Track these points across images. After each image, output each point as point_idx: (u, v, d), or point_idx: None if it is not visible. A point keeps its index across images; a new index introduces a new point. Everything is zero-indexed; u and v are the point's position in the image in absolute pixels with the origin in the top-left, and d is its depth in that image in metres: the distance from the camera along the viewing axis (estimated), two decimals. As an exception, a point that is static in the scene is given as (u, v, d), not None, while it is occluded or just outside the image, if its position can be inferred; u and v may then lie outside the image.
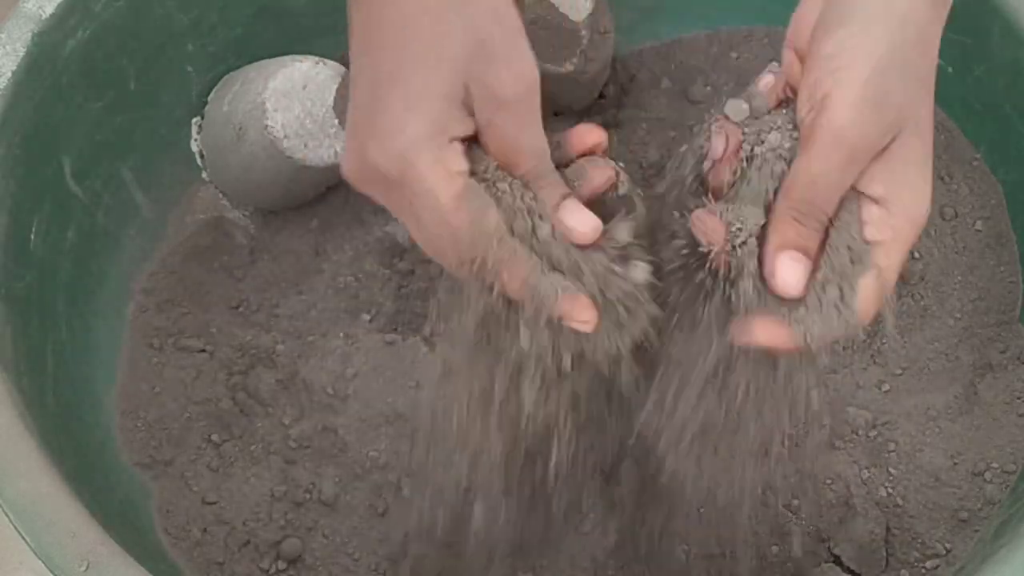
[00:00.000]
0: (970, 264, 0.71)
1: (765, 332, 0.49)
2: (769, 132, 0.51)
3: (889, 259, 0.49)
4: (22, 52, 0.65)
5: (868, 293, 0.49)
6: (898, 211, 0.49)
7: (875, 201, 0.49)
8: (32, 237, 0.65)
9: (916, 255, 0.71)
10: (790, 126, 0.50)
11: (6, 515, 0.53)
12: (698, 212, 0.50)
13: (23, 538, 0.52)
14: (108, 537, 0.53)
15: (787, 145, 0.50)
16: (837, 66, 0.48)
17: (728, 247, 0.50)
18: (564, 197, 0.50)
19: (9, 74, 0.64)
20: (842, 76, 0.48)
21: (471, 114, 0.48)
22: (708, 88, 0.82)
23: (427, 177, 0.47)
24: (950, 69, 0.74)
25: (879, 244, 0.49)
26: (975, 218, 0.72)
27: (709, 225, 0.50)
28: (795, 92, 0.51)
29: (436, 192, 0.47)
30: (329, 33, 0.79)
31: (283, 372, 0.71)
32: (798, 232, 0.49)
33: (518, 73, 0.48)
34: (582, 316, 0.49)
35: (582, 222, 0.49)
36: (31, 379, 0.62)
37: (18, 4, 0.66)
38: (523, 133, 0.49)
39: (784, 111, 0.51)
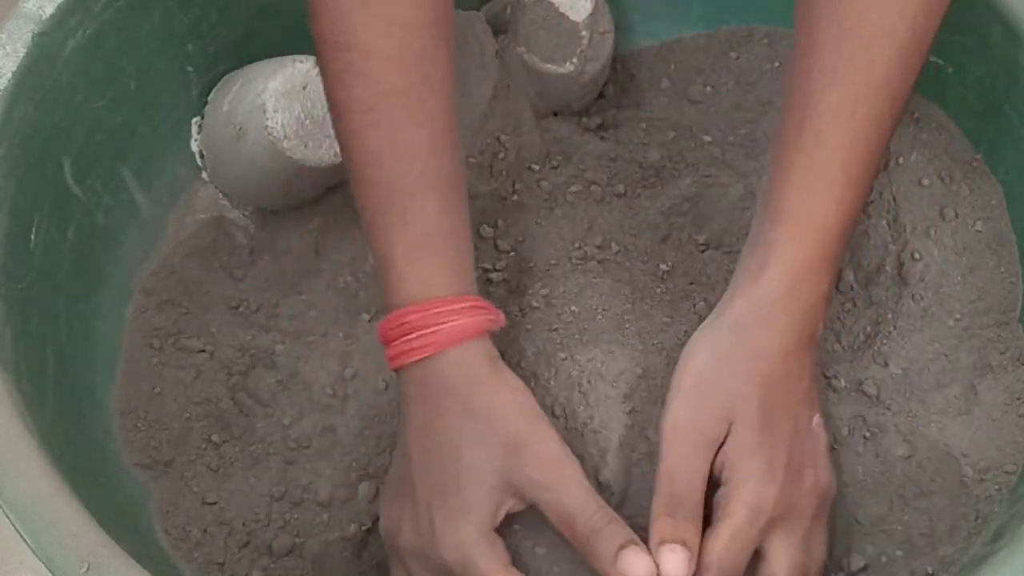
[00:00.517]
0: (970, 265, 0.71)
1: None
2: None
3: (721, 541, 0.56)
4: (22, 52, 0.64)
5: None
6: (734, 494, 0.56)
7: (723, 483, 0.57)
8: (32, 237, 0.65)
9: (916, 255, 0.71)
10: None
11: (6, 515, 0.53)
12: None
13: (23, 539, 0.52)
14: (108, 538, 0.52)
15: None
16: (678, 366, 0.59)
17: None
18: (621, 547, 0.55)
19: (9, 74, 0.64)
20: (677, 376, 0.59)
21: (521, 497, 0.57)
22: (708, 88, 0.82)
23: (485, 570, 0.56)
24: (950, 69, 0.74)
25: (727, 519, 0.56)
26: (975, 218, 0.72)
27: None
28: None
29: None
30: (329, 33, 0.79)
31: (283, 372, 0.71)
32: (672, 525, 0.56)
33: (546, 457, 0.57)
34: None
35: (638, 567, 0.55)
36: (31, 379, 0.62)
37: (18, 4, 0.66)
38: (569, 500, 0.56)
39: None
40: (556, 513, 0.56)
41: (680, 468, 0.57)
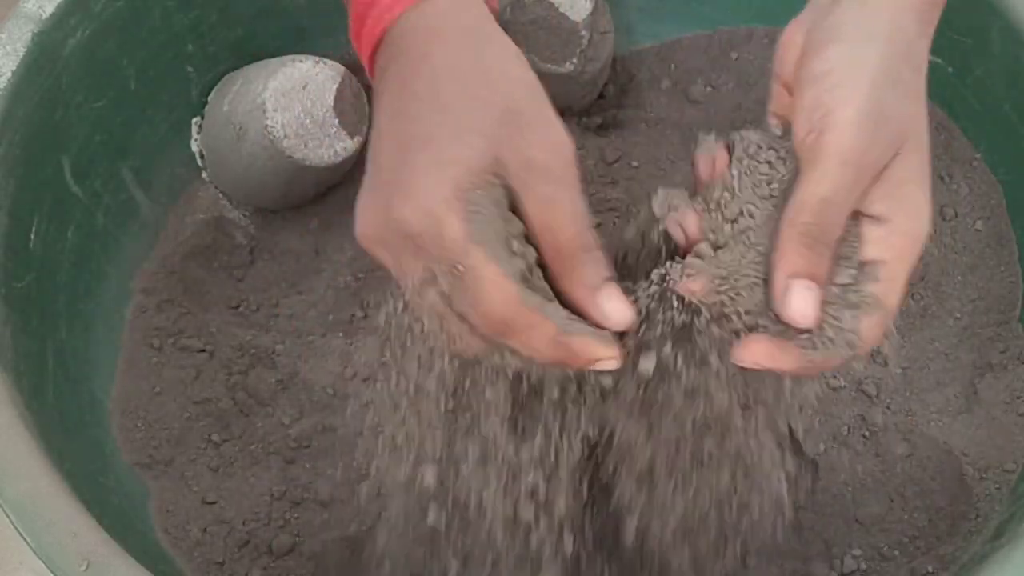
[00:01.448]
0: (970, 264, 0.71)
1: (766, 353, 0.47)
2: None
3: (892, 280, 0.48)
4: (22, 52, 0.64)
5: (871, 317, 0.48)
6: (899, 229, 0.48)
7: (876, 220, 0.48)
8: (32, 237, 0.65)
9: (916, 255, 0.71)
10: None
11: (6, 515, 0.53)
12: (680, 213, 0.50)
13: (23, 538, 0.52)
14: (108, 537, 0.53)
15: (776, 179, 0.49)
16: (834, 83, 0.47)
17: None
18: (606, 280, 0.48)
19: (9, 74, 0.64)
20: (841, 93, 0.47)
21: (503, 185, 0.47)
22: (708, 88, 0.82)
23: (455, 235, 0.45)
24: (950, 69, 0.74)
25: (881, 264, 0.48)
26: (975, 218, 0.72)
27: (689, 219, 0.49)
28: (785, 122, 0.50)
29: (463, 249, 0.45)
30: (329, 33, 0.79)
31: (283, 372, 0.71)
32: (808, 259, 0.47)
33: (555, 142, 0.47)
34: (607, 353, 0.47)
35: (619, 311, 0.47)
36: (31, 379, 0.62)
37: (18, 4, 0.66)
38: (565, 197, 0.47)
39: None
40: (542, 206, 0.47)
41: (838, 197, 0.47)
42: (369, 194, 0.48)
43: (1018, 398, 0.68)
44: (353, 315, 0.74)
